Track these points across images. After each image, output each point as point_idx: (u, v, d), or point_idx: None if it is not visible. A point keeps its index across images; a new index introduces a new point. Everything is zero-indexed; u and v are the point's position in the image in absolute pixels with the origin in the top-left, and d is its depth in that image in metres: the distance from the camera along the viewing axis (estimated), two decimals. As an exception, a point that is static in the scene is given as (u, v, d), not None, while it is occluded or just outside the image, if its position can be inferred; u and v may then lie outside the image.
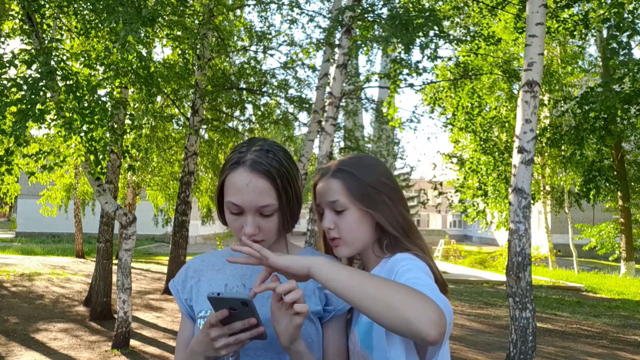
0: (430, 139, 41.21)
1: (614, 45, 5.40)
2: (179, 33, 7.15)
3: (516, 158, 4.72)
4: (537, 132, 7.85)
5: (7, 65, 5.01)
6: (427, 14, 5.77)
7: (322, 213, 1.25)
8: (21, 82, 4.65)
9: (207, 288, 1.22)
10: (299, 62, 10.25)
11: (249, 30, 11.37)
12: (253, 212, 1.11)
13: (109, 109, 5.77)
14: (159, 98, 10.02)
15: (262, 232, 1.13)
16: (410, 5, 7.11)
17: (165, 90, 8.57)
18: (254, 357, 1.11)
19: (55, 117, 5.19)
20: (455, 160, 12.02)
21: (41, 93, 4.64)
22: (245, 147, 1.14)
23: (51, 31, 6.08)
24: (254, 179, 1.09)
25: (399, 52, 5.99)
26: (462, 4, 8.77)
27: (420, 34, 5.59)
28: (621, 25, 5.44)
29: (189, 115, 9.97)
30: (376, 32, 6.49)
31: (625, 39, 5.43)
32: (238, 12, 11.39)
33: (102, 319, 7.16)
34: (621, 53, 5.35)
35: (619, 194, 14.47)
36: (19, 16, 5.85)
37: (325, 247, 1.31)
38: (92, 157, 5.38)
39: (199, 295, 1.22)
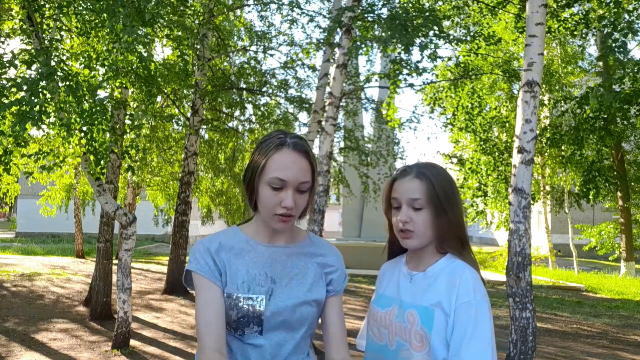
0: (430, 139, 41.29)
1: (612, 44, 5.40)
2: (179, 33, 7.15)
3: (516, 158, 4.72)
4: (537, 132, 7.85)
5: (7, 65, 5.01)
6: (427, 14, 5.77)
7: (397, 207, 1.44)
8: (21, 82, 4.64)
9: (235, 272, 1.32)
10: (299, 62, 10.24)
11: (249, 30, 11.36)
12: (293, 188, 1.27)
13: (109, 109, 5.76)
14: (159, 98, 10.02)
15: (296, 208, 1.29)
16: (410, 6, 7.11)
17: (165, 90, 8.57)
18: (274, 330, 1.31)
19: (54, 118, 5.18)
20: (455, 160, 12.02)
21: (41, 95, 4.63)
22: (282, 134, 1.31)
23: (51, 31, 6.08)
24: (298, 159, 1.28)
25: (399, 53, 5.98)
26: (462, 4, 8.76)
27: (420, 34, 5.58)
28: (616, 23, 5.44)
29: (189, 115, 9.96)
30: (376, 32, 6.49)
31: (622, 38, 5.43)
32: (238, 12, 11.38)
33: (102, 319, 7.15)
34: (617, 52, 5.35)
35: (619, 194, 14.46)
36: (19, 16, 5.85)
37: (390, 235, 1.55)
38: (92, 157, 5.38)
39: (233, 276, 1.32)
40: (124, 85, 6.38)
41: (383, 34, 5.79)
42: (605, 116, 9.47)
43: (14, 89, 4.72)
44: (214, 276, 1.30)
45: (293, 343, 1.33)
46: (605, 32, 5.64)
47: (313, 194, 1.34)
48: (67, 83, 4.96)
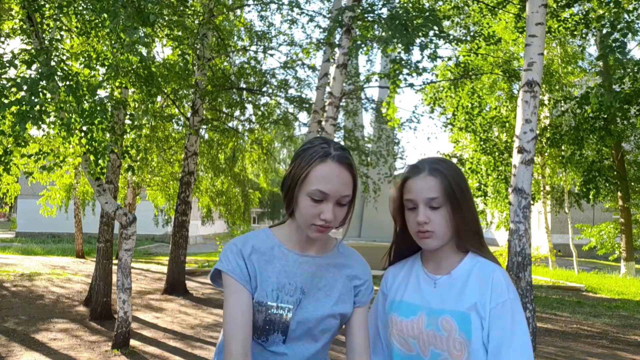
0: (430, 139, 41.31)
1: (612, 43, 5.40)
2: (179, 33, 7.15)
3: (516, 158, 4.72)
4: (537, 132, 7.84)
5: (7, 65, 5.01)
6: (427, 14, 5.77)
7: (412, 207, 1.36)
8: (21, 82, 4.64)
9: (265, 278, 1.32)
10: (299, 62, 10.24)
11: (249, 30, 11.37)
12: (334, 201, 1.26)
13: (109, 108, 5.76)
14: (159, 98, 10.02)
15: (335, 220, 1.28)
16: (410, 5, 7.11)
17: (165, 90, 8.56)
18: (297, 340, 1.33)
19: (54, 118, 5.19)
20: (455, 160, 12.01)
21: (40, 95, 4.63)
22: (325, 143, 1.30)
23: (51, 31, 6.08)
24: (342, 172, 1.27)
25: (399, 52, 5.99)
26: (462, 4, 8.76)
27: (420, 34, 5.58)
28: (615, 23, 5.44)
29: (189, 115, 9.96)
30: (376, 32, 6.49)
31: (621, 38, 5.43)
32: (238, 12, 11.38)
33: (102, 319, 7.15)
34: (617, 52, 5.35)
35: (619, 194, 14.46)
36: (19, 16, 5.85)
37: (396, 237, 1.47)
38: (92, 157, 5.38)
39: (263, 282, 1.31)
40: (123, 85, 6.38)
41: (383, 34, 5.79)
42: (605, 116, 9.47)
43: (14, 89, 4.72)
44: (244, 279, 1.30)
45: (313, 351, 1.36)
46: (604, 32, 5.65)
47: (352, 205, 1.33)
48: (67, 83, 4.96)
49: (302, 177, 1.27)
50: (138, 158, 9.85)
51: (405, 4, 7.24)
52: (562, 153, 13.21)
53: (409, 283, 1.43)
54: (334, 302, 1.36)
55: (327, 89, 6.55)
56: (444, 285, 1.36)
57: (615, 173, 13.09)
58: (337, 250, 1.43)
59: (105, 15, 4.79)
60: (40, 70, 4.78)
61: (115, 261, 7.92)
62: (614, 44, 5.40)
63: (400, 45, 5.51)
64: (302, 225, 1.31)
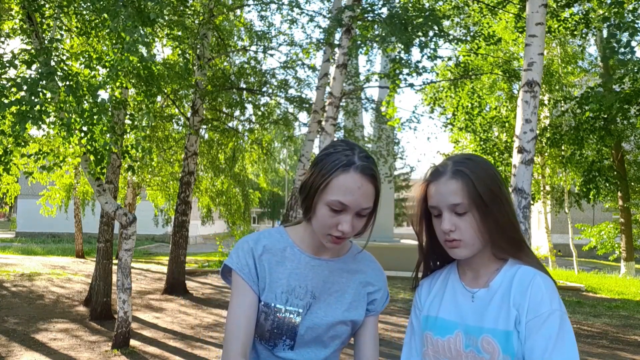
0: (430, 139, 41.33)
1: (614, 44, 5.40)
2: (179, 33, 7.15)
3: (516, 158, 4.72)
4: (537, 132, 7.85)
5: (7, 65, 5.01)
6: (427, 13, 5.78)
7: (437, 215, 1.24)
8: (21, 82, 4.64)
9: (275, 280, 1.29)
10: (299, 62, 10.24)
11: (249, 30, 11.37)
12: (353, 212, 1.21)
13: (109, 109, 5.76)
14: (159, 98, 10.02)
15: (352, 232, 1.24)
16: (410, 5, 7.11)
17: (165, 90, 8.56)
18: (305, 346, 1.30)
19: (54, 118, 5.19)
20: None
21: (40, 94, 4.63)
22: (349, 149, 1.23)
23: (51, 31, 6.08)
24: (364, 183, 1.20)
25: (399, 52, 5.99)
26: (462, 4, 8.77)
27: (420, 33, 5.59)
28: (621, 25, 5.44)
29: (189, 115, 9.96)
30: (376, 32, 6.50)
31: (625, 38, 5.43)
32: (238, 12, 11.39)
33: (102, 319, 7.15)
34: (620, 52, 5.35)
35: (619, 194, 14.47)
36: (19, 16, 5.85)
37: (424, 247, 1.34)
38: (92, 157, 5.38)
39: (272, 284, 1.28)
40: (124, 86, 6.38)
41: (383, 32, 5.79)
42: (605, 116, 9.47)
43: (14, 89, 4.72)
44: (251, 279, 1.27)
45: (322, 357, 1.33)
46: (608, 32, 5.63)
47: (373, 217, 1.27)
48: (67, 83, 4.96)
49: (323, 186, 1.21)
50: (141, 158, 9.84)
51: (405, 4, 7.24)
52: (562, 153, 13.22)
53: (445, 296, 1.31)
54: (345, 308, 1.32)
55: (327, 89, 6.56)
56: (483, 299, 1.22)
57: (615, 173, 13.09)
58: (352, 254, 1.38)
59: (106, 15, 4.80)
60: (40, 70, 4.78)
61: (115, 261, 7.91)
62: (616, 45, 5.40)
63: (399, 44, 5.51)
64: (317, 233, 1.27)
